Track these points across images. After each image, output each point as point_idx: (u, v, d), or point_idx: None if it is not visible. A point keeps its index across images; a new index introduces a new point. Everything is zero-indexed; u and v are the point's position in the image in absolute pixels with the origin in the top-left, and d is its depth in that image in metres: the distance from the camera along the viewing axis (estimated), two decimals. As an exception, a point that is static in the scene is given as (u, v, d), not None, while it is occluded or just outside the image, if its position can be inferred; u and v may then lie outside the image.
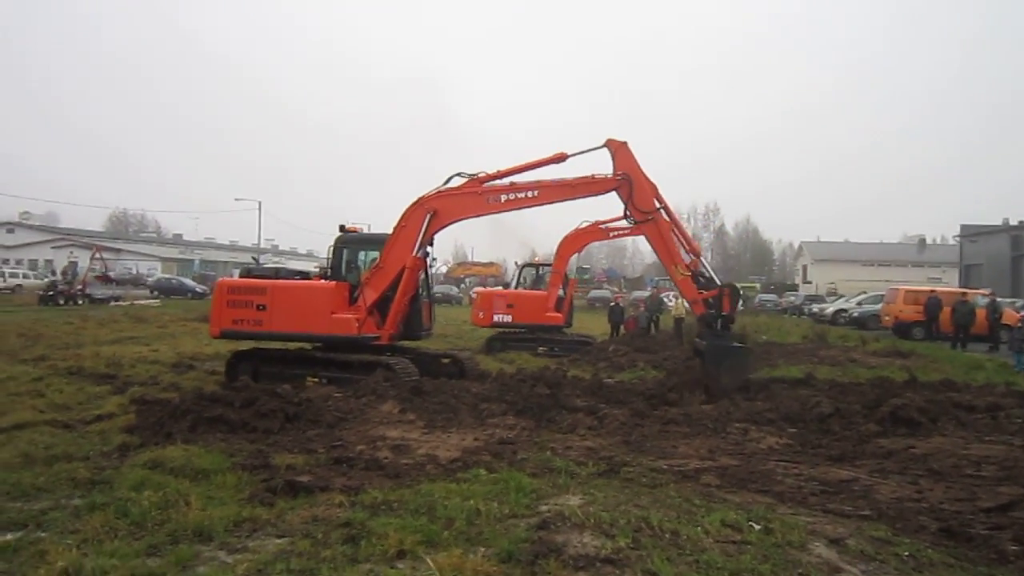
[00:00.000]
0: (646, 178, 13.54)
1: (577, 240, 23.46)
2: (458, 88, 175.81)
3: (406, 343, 15.04)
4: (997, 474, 7.91)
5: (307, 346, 14.13)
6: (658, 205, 13.72)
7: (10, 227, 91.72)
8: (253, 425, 9.42)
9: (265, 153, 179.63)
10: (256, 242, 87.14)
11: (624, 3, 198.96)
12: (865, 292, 45.76)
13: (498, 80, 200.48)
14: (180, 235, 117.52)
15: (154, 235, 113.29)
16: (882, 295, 36.86)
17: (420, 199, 13.55)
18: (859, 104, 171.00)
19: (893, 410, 10.52)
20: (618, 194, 13.59)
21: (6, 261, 76.57)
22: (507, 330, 23.69)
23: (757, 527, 5.57)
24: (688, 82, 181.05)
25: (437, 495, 6.21)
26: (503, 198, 13.49)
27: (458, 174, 13.68)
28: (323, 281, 14.26)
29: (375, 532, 5.29)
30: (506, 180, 13.55)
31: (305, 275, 15.54)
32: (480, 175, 13.57)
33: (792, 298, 62.08)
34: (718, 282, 13.68)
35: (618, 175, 13.48)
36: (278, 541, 5.39)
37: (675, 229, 13.94)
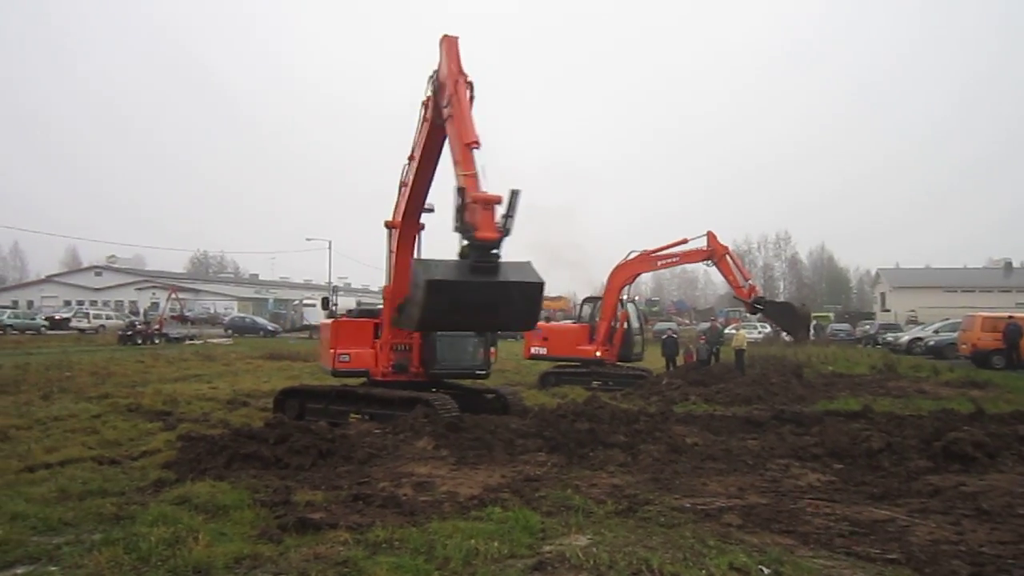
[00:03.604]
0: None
1: (625, 271, 23.28)
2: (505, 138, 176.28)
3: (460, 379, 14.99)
4: (1052, 514, 7.38)
5: (351, 382, 14.29)
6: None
7: (98, 270, 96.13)
8: (285, 461, 9.53)
9: (341, 194, 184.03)
10: (328, 280, 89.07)
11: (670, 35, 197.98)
12: (947, 320, 43.86)
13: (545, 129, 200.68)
14: (256, 275, 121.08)
15: (232, 275, 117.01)
16: (960, 322, 35.32)
17: None
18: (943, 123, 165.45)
19: (947, 444, 9.97)
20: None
21: (94, 303, 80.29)
22: (563, 364, 23.60)
23: (766, 571, 5.32)
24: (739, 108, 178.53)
25: (441, 534, 6.13)
26: None
27: None
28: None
29: (367, 571, 5.24)
30: None
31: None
32: None
33: (866, 327, 59.94)
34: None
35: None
36: (272, 579, 5.38)
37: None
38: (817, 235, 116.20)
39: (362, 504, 7.54)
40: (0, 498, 7.65)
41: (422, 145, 12.79)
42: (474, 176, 10.02)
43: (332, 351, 14.08)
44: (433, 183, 13.57)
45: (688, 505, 7.52)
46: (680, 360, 27.24)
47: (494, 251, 9.69)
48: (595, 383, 21.90)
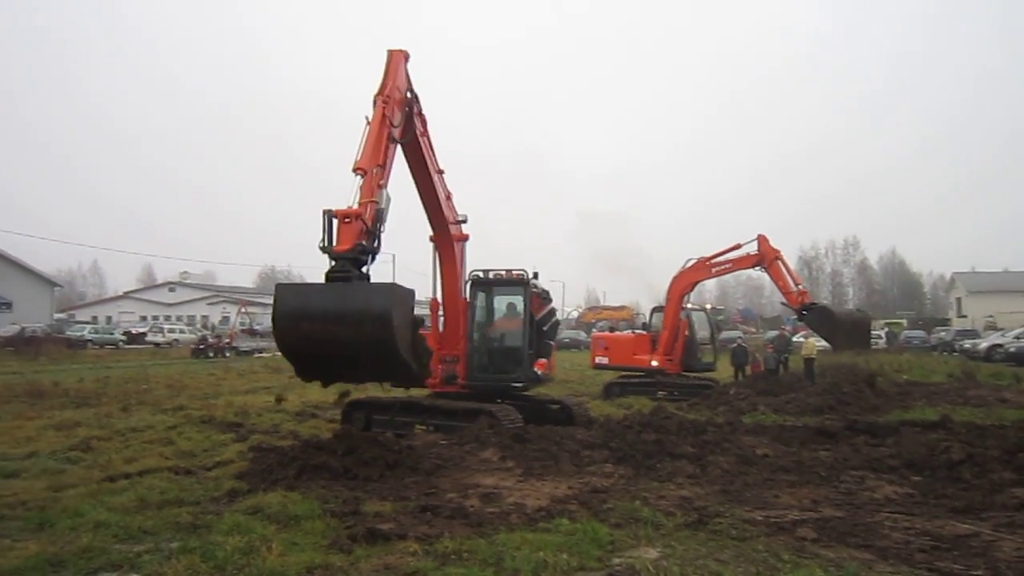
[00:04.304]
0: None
1: (683, 279, 23.09)
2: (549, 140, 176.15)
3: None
4: None
5: (416, 394, 14.43)
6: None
7: (171, 286, 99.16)
8: (354, 472, 9.62)
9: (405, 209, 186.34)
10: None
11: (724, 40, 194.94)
12: (1028, 325, 42.10)
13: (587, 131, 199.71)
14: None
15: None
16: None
17: None
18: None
19: (1032, 456, 9.56)
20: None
21: (168, 318, 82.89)
22: (628, 375, 23.48)
23: (844, 586, 5.16)
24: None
25: (509, 545, 6.14)
26: None
27: None
28: None
29: (437, 582, 5.27)
30: None
31: None
32: None
33: (942, 334, 57.88)
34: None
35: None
36: (345, 589, 5.45)
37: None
38: (888, 239, 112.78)
39: (430, 515, 7.58)
40: (84, 507, 7.92)
41: (407, 161, 12.90)
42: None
43: None
44: (454, 195, 13.96)
45: (760, 518, 7.36)
46: (748, 369, 26.75)
47: (361, 267, 9.77)
48: (660, 393, 21.68)
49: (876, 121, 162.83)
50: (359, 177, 10.32)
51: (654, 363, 22.83)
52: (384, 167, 10.78)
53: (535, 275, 14.90)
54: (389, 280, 10.79)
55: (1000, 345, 39.24)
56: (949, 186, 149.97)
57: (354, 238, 9.72)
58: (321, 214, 9.95)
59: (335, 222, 9.87)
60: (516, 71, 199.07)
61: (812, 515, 7.52)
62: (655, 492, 8.58)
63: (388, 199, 10.55)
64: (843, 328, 22.38)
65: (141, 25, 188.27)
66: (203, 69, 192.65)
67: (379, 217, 10.17)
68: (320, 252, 9.87)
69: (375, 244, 10.07)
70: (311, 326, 9.08)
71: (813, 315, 22.48)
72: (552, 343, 15.08)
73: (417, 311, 9.95)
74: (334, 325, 8.96)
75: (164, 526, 7.33)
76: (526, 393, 14.87)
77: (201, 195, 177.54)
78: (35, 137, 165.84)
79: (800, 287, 22.94)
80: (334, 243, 9.77)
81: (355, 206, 10.04)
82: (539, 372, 14.44)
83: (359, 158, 10.50)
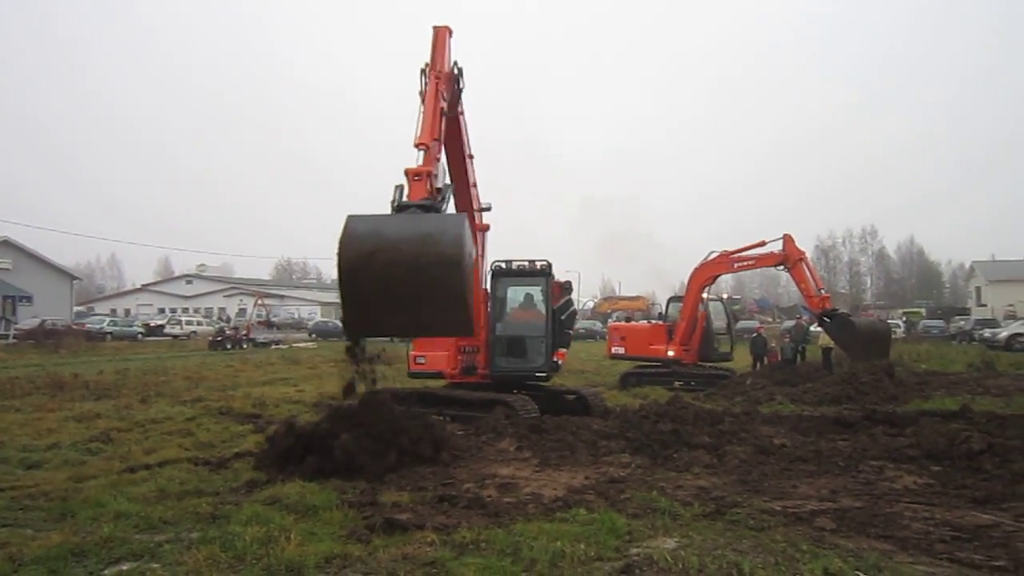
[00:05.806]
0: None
1: (704, 272, 23.03)
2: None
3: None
4: None
5: (433, 384, 14.48)
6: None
7: (188, 279, 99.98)
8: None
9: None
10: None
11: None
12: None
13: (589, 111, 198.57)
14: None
15: (315, 281, 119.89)
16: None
17: None
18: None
19: (1055, 446, 9.46)
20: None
21: (185, 310, 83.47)
22: (644, 365, 23.47)
23: (864, 576, 5.13)
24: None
25: (527, 536, 6.14)
26: None
27: None
28: None
29: (455, 572, 5.29)
30: None
31: None
32: None
33: (961, 323, 57.39)
34: None
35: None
36: (362, 579, 5.47)
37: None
38: (906, 229, 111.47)
39: (447, 505, 7.60)
40: (105, 497, 7.98)
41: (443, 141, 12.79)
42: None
43: (412, 354, 14.45)
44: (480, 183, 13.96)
45: (778, 508, 7.34)
46: (766, 359, 26.65)
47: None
48: (677, 384, 21.64)
49: (891, 98, 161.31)
50: (421, 152, 10.17)
51: (670, 353, 22.81)
52: (440, 141, 10.72)
53: (549, 266, 14.88)
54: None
55: (1021, 334, 38.98)
56: (968, 170, 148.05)
57: (423, 193, 9.58)
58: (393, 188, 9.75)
59: (405, 185, 9.63)
60: (508, 49, 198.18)
61: (831, 505, 7.48)
62: (672, 482, 8.57)
63: (445, 171, 10.67)
64: (863, 339, 22.20)
65: (157, 26, 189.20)
66: (218, 67, 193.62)
67: (444, 190, 10.07)
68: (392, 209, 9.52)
69: (440, 202, 9.78)
70: (380, 247, 8.20)
71: (834, 324, 22.35)
72: (570, 332, 15.07)
73: None
74: (407, 245, 8.18)
75: (184, 516, 7.36)
76: (543, 383, 14.89)
77: (217, 190, 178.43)
78: (52, 136, 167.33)
79: (822, 291, 22.79)
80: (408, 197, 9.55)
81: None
82: (559, 362, 14.51)
83: (419, 132, 10.41)
